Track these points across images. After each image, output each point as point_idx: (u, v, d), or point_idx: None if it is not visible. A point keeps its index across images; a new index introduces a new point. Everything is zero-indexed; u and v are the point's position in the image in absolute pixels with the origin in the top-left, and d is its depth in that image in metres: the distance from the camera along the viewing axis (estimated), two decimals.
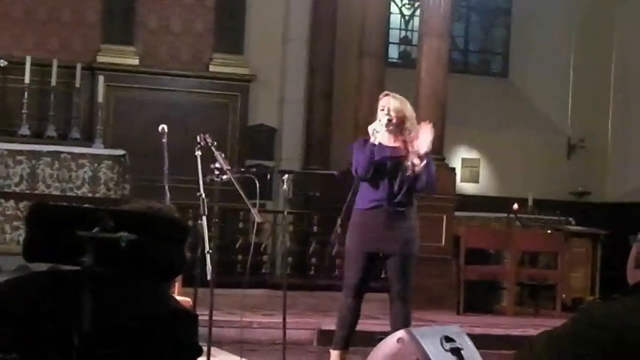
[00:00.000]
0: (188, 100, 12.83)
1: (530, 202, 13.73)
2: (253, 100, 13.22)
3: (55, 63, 12.08)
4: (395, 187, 6.64)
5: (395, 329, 6.44)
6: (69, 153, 10.28)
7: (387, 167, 6.64)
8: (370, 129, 6.61)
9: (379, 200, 6.65)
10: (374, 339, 6.30)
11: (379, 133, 6.59)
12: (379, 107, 6.74)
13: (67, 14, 12.65)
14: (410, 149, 6.64)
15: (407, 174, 6.60)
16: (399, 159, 6.65)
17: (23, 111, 11.97)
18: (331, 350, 6.84)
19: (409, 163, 6.60)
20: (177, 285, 6.64)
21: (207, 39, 13.11)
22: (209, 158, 6.51)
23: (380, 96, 6.85)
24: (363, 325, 7.06)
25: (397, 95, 6.77)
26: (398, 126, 6.68)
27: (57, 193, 10.04)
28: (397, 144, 6.69)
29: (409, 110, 6.74)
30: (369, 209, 6.67)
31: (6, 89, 12.25)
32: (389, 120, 6.62)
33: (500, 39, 16.34)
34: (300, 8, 13.60)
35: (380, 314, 7.78)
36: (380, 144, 6.64)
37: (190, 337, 2.69)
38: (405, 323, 6.59)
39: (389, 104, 6.70)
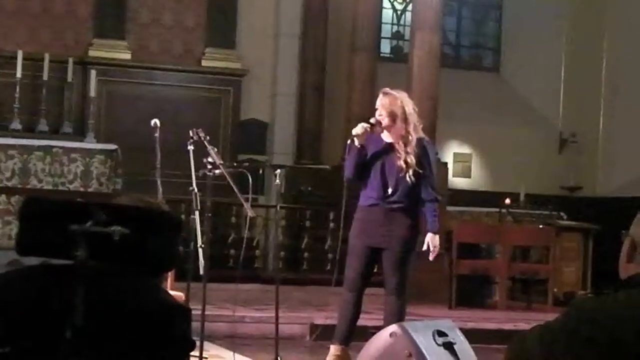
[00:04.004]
0: (180, 95, 12.82)
1: (521, 197, 13.75)
2: (245, 95, 13.21)
3: (47, 57, 12.05)
4: (390, 187, 6.65)
5: (388, 323, 6.45)
6: (60, 147, 10.27)
7: (376, 163, 6.65)
8: (353, 131, 6.65)
9: (375, 198, 6.68)
10: (367, 333, 6.31)
11: (359, 137, 6.60)
12: (376, 107, 6.78)
13: (58, 7, 12.62)
14: (399, 145, 6.63)
15: (401, 174, 6.61)
16: (388, 154, 6.65)
17: (15, 105, 11.94)
18: (331, 345, 6.84)
19: (402, 162, 6.60)
20: (169, 280, 6.64)
21: (199, 33, 13.10)
22: (201, 152, 6.50)
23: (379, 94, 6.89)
24: None
25: (391, 92, 6.76)
26: (390, 123, 6.68)
27: (49, 188, 10.03)
28: (390, 140, 6.69)
29: (399, 105, 6.71)
30: (369, 206, 6.71)
31: None
32: (372, 124, 6.64)
33: (492, 33, 16.36)
34: (292, 2, 13.59)
35: (374, 309, 7.78)
36: (378, 139, 6.67)
37: (183, 331, 2.69)
38: (398, 317, 6.60)
39: (380, 102, 6.72)
